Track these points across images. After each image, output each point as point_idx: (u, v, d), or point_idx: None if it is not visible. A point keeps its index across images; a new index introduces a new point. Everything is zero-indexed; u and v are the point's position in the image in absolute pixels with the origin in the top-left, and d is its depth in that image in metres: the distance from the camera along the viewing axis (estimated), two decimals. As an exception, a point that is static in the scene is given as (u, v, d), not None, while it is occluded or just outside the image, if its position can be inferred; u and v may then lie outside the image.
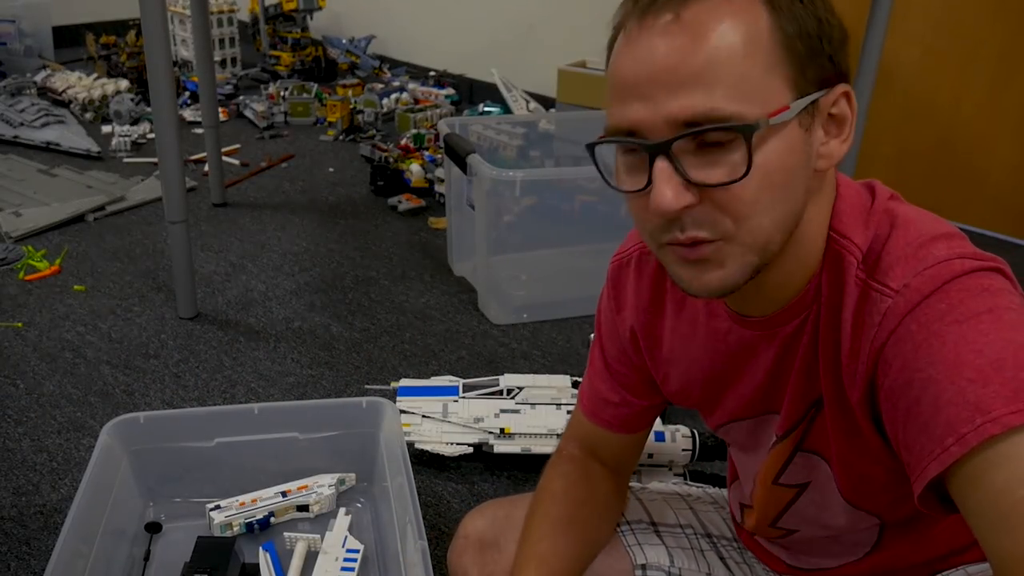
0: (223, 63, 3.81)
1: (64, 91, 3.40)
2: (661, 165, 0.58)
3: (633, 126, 0.59)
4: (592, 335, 0.94)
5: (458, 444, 1.46)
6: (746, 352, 0.73)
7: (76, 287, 2.09)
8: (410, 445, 1.42)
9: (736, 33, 0.57)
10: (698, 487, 1.03)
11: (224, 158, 2.77)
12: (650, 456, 1.38)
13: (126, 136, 3.00)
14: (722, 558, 0.91)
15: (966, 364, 0.55)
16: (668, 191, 0.58)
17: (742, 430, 0.80)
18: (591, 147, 0.64)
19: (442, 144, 2.07)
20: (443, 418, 1.49)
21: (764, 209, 0.59)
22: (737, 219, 0.59)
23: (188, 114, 3.33)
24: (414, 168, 2.70)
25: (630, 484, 0.98)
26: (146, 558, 1.25)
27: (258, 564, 1.24)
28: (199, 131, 2.95)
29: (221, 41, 3.78)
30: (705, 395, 0.80)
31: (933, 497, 0.57)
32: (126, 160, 2.92)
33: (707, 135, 0.57)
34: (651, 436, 1.37)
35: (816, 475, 0.74)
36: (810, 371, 0.68)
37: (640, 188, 0.60)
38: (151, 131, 3.05)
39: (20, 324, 1.93)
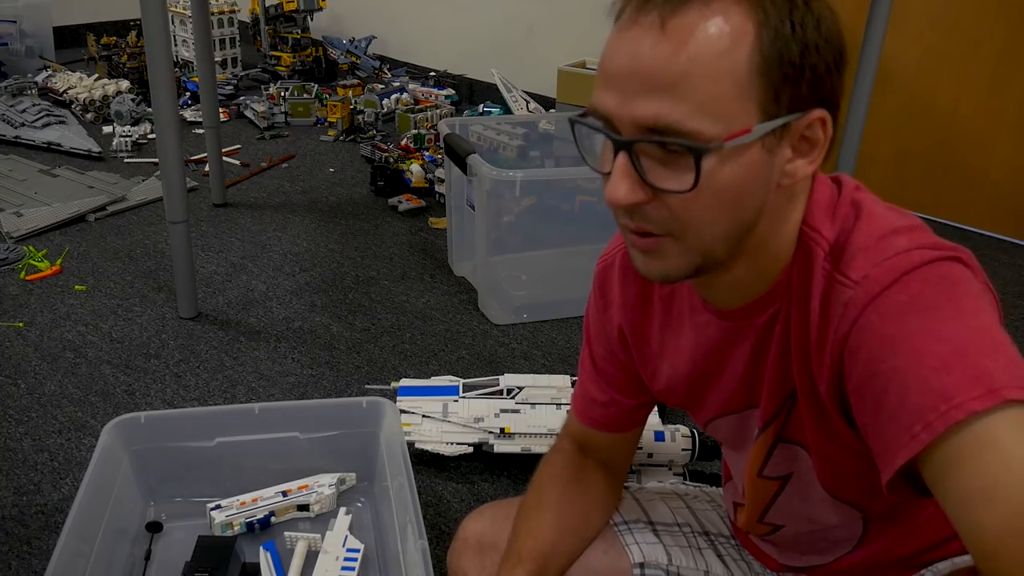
0: (224, 63, 3.82)
1: (65, 91, 3.41)
2: (621, 160, 0.61)
3: (606, 115, 0.61)
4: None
5: (458, 444, 1.47)
6: (725, 345, 0.74)
7: (77, 287, 2.10)
8: (410, 445, 1.42)
9: (715, 52, 0.57)
10: (696, 486, 1.04)
11: (225, 158, 2.78)
12: (650, 456, 1.38)
13: (127, 136, 3.01)
14: (719, 556, 0.92)
15: (929, 353, 0.56)
16: (622, 186, 0.61)
17: (728, 426, 0.81)
18: (571, 122, 0.66)
19: (442, 144, 2.07)
20: (443, 418, 1.50)
21: (709, 222, 0.62)
22: (682, 224, 0.62)
23: (189, 114, 3.33)
24: (414, 168, 2.70)
25: (627, 484, 0.98)
26: (147, 557, 1.26)
27: (259, 563, 1.24)
28: (200, 131, 2.96)
29: (222, 41, 3.79)
30: (690, 391, 0.81)
31: (903, 483, 0.58)
32: (127, 160, 2.93)
33: (668, 143, 0.59)
34: (651, 436, 1.38)
35: (797, 466, 0.75)
36: (784, 362, 0.70)
37: (607, 172, 0.63)
38: (152, 131, 3.05)
39: (21, 324, 1.93)
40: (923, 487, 0.57)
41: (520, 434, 1.47)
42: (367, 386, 1.72)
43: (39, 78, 3.55)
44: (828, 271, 0.64)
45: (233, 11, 3.79)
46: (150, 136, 3.07)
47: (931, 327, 0.57)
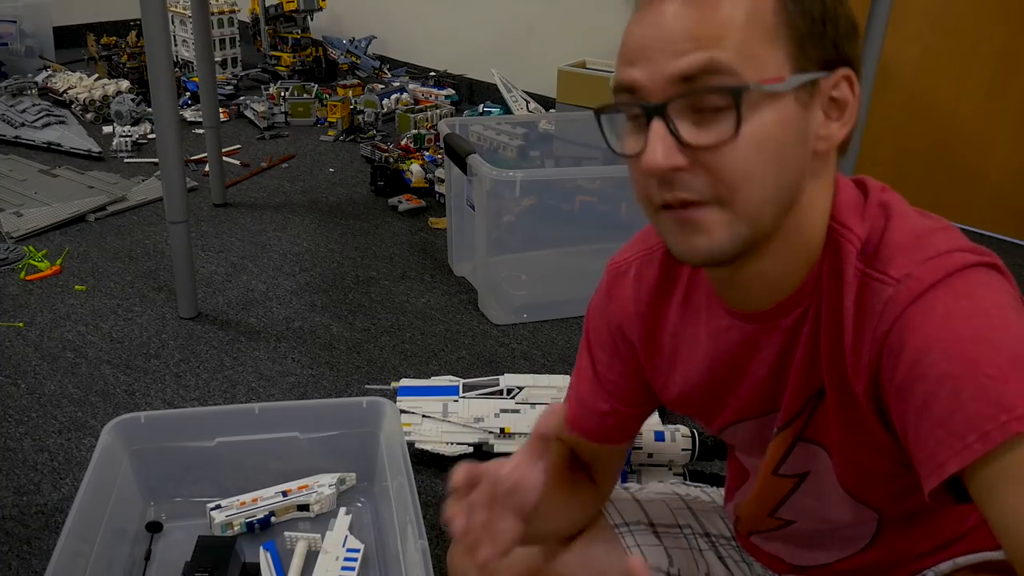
0: (224, 63, 3.82)
1: (65, 91, 3.41)
2: (656, 125, 0.60)
3: (634, 85, 0.61)
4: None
5: (458, 444, 1.47)
6: (748, 349, 0.72)
7: (77, 287, 2.10)
8: (410, 445, 1.42)
9: (740, 4, 0.59)
10: (696, 487, 1.03)
11: (225, 158, 2.78)
12: (650, 456, 1.38)
13: (127, 136, 3.01)
14: (721, 558, 0.92)
15: (984, 360, 0.55)
16: (659, 150, 0.59)
17: (745, 432, 0.79)
18: (598, 113, 0.65)
19: (442, 144, 2.07)
20: (443, 418, 1.50)
21: (755, 179, 0.60)
22: (728, 186, 0.60)
23: (189, 114, 3.33)
24: (414, 168, 2.70)
25: (627, 484, 0.98)
26: (147, 557, 1.26)
27: (259, 563, 1.24)
28: (200, 131, 2.96)
29: (222, 41, 3.79)
30: (707, 398, 0.79)
31: (945, 491, 0.56)
32: (127, 160, 2.93)
33: (703, 99, 0.58)
34: (651, 436, 1.38)
35: (815, 465, 0.74)
36: (812, 362, 0.68)
37: (639, 151, 0.61)
38: (152, 131, 3.05)
39: (21, 324, 1.93)
40: (964, 495, 0.56)
41: (520, 434, 1.47)
42: (367, 386, 1.72)
43: (39, 78, 3.55)
44: (861, 269, 0.63)
45: (233, 11, 3.79)
46: (150, 136, 3.07)
47: (983, 334, 0.56)
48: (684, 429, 1.40)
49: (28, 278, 2.13)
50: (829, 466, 0.73)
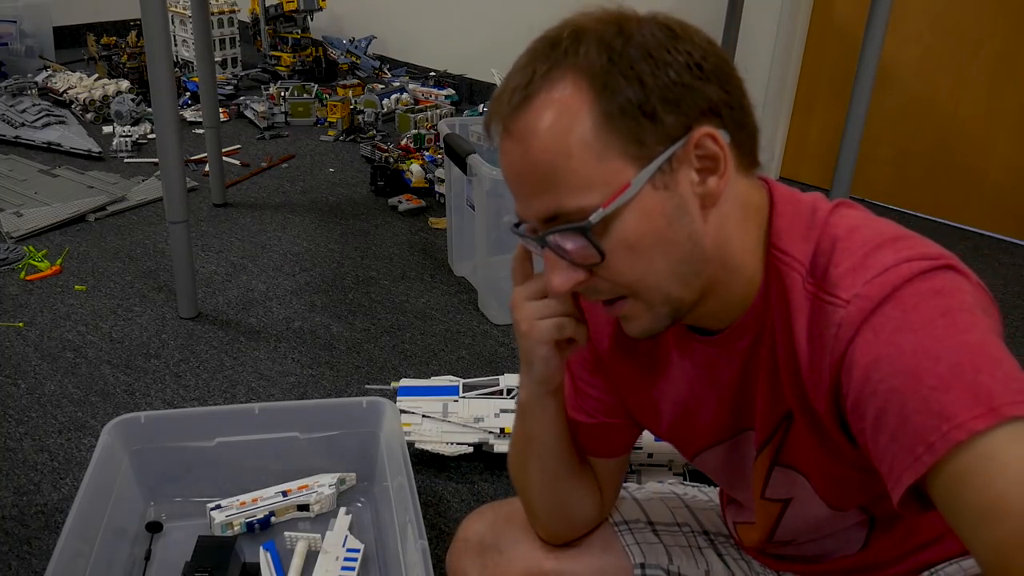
0: (224, 63, 3.82)
1: (65, 91, 3.41)
2: (547, 253, 0.65)
3: (522, 220, 0.67)
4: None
5: (458, 444, 1.47)
6: (711, 369, 0.74)
7: (77, 287, 2.10)
8: (410, 445, 1.42)
9: (558, 135, 0.60)
10: (695, 487, 1.04)
11: (225, 158, 2.78)
12: (650, 456, 1.39)
13: (127, 136, 3.01)
14: (720, 555, 0.92)
15: (926, 371, 0.55)
16: (555, 276, 0.66)
17: (718, 457, 0.80)
18: (516, 234, 0.71)
19: (442, 144, 2.07)
20: (443, 418, 1.50)
21: (643, 273, 0.64)
22: (624, 286, 0.65)
23: (189, 114, 3.33)
24: (414, 168, 2.70)
25: (626, 484, 0.98)
26: (147, 557, 1.26)
27: (259, 563, 1.24)
28: (200, 131, 2.96)
29: (222, 41, 3.79)
30: (679, 420, 0.79)
31: (913, 500, 0.57)
32: (127, 160, 2.93)
33: (560, 230, 0.63)
34: (651, 436, 1.38)
35: (796, 491, 0.75)
36: (774, 385, 0.69)
37: None
38: (152, 131, 3.05)
39: (21, 324, 1.93)
40: (930, 502, 0.56)
41: (520, 434, 1.47)
42: (367, 386, 1.72)
43: (39, 78, 3.55)
44: (812, 292, 0.63)
45: (233, 11, 3.79)
46: (150, 136, 3.08)
47: (927, 345, 0.56)
48: (684, 429, 1.40)
49: (28, 278, 2.13)
50: (810, 489, 0.74)
